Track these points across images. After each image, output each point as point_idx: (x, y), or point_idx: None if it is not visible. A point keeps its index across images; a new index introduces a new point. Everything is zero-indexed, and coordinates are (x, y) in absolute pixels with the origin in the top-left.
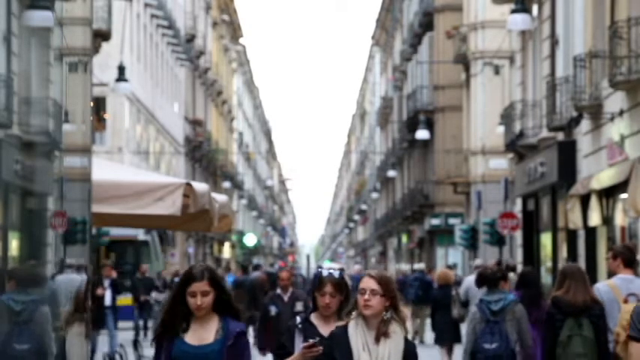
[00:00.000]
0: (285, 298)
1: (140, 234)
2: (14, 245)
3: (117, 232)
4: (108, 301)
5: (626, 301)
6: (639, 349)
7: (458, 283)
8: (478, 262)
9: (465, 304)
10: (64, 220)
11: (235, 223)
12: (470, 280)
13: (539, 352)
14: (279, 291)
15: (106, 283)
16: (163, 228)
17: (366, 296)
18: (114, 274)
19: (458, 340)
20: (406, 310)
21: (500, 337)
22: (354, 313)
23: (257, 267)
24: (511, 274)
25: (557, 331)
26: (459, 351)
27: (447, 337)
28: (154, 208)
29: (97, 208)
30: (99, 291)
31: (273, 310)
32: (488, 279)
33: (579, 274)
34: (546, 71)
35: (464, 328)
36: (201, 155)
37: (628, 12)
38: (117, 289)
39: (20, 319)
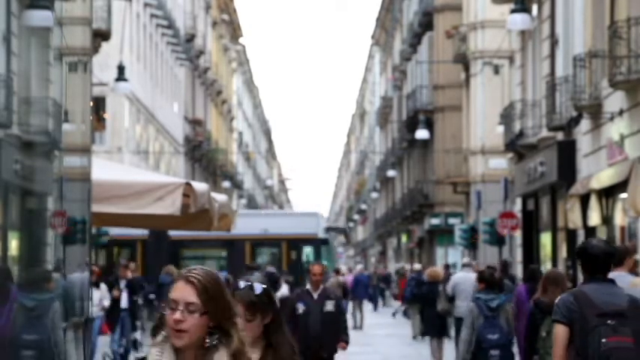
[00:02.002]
0: (315, 295)
1: (320, 231)
2: (14, 245)
3: (295, 230)
4: (124, 303)
5: None
6: (560, 331)
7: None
8: (465, 260)
9: (451, 299)
10: (63, 220)
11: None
12: (458, 277)
13: (523, 345)
14: (308, 286)
15: (122, 284)
16: (163, 228)
17: (177, 315)
18: (130, 275)
19: (445, 333)
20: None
21: (499, 330)
22: (162, 334)
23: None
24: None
25: (537, 328)
26: (451, 345)
27: (434, 330)
28: (153, 208)
29: (96, 208)
30: (115, 293)
31: (300, 307)
32: (490, 281)
33: (558, 279)
34: (546, 71)
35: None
36: (201, 155)
37: (628, 12)
38: (134, 291)
39: (33, 314)
